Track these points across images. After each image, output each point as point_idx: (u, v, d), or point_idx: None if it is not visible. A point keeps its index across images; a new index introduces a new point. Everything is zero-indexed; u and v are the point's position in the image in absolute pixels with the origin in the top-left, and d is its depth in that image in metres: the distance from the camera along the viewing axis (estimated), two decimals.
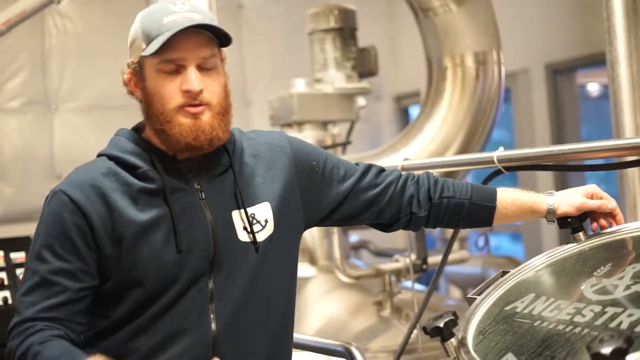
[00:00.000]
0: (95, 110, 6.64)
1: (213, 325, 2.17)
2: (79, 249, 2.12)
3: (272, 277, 2.28)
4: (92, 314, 2.17)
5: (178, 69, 2.14)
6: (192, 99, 2.14)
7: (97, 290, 2.16)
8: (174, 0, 2.17)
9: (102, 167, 2.18)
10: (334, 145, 4.93)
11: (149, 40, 2.13)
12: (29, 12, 5.23)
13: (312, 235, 4.91)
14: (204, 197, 2.20)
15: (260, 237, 2.24)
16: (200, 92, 2.14)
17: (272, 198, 2.29)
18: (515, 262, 5.64)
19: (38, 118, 6.56)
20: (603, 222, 2.38)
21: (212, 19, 2.19)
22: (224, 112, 2.21)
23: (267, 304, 2.26)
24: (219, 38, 2.19)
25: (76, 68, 6.68)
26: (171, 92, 2.14)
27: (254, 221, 2.24)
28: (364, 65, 5.22)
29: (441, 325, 2.01)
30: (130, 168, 2.17)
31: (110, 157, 2.20)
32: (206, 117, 2.15)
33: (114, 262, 2.13)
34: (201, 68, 2.16)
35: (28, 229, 4.82)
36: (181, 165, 2.21)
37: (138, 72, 2.20)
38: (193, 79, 2.13)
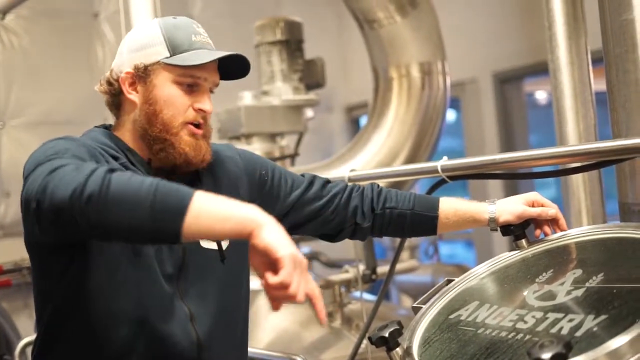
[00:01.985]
0: (43, 125, 6.57)
1: (195, 331, 2.17)
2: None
3: (236, 285, 2.32)
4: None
5: (193, 87, 2.21)
6: (202, 118, 2.22)
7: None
8: (190, 20, 2.27)
9: (91, 145, 2.15)
10: (282, 157, 4.93)
11: (177, 50, 2.18)
12: None
13: None
14: None
15: (223, 245, 2.27)
16: (209, 114, 2.23)
17: None
18: (464, 270, 5.62)
19: None
20: (546, 229, 2.42)
21: None
22: (210, 135, 2.29)
23: (235, 314, 2.31)
24: (225, 76, 2.29)
25: (23, 83, 6.60)
26: (184, 106, 2.20)
27: None
28: (311, 76, 5.22)
29: (386, 335, 2.01)
30: (112, 157, 2.16)
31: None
32: (202, 139, 2.23)
33: None
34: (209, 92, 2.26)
35: None
36: (154, 170, 2.22)
37: (142, 75, 2.21)
38: (209, 101, 2.23)
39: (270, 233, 1.73)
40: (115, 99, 2.27)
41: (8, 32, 6.55)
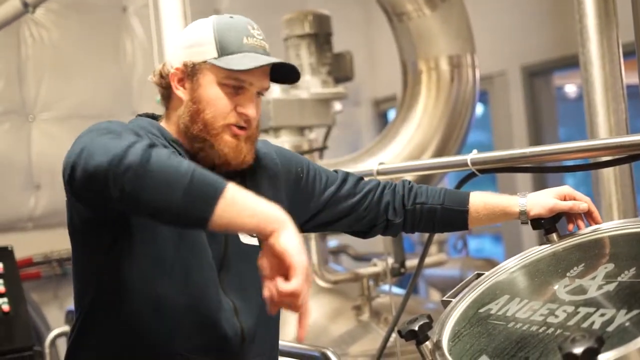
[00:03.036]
0: (73, 119, 6.60)
1: (239, 323, 2.18)
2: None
3: None
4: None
5: (240, 90, 2.19)
6: (244, 122, 2.20)
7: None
8: (251, 22, 2.24)
9: (145, 128, 2.20)
10: (310, 151, 4.93)
11: (225, 52, 2.17)
12: (4, 22, 5.20)
13: None
14: None
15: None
16: (253, 119, 2.21)
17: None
18: (493, 264, 5.62)
19: (15, 128, 6.52)
20: (580, 222, 2.40)
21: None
22: (256, 138, 2.28)
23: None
24: (278, 80, 2.29)
25: (53, 77, 6.64)
26: (227, 108, 2.19)
27: None
28: (339, 70, 5.22)
29: (416, 328, 2.01)
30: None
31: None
32: (245, 141, 2.22)
33: None
34: (257, 96, 2.23)
35: (7, 240, 4.81)
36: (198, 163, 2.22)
37: (190, 73, 2.21)
38: (253, 106, 2.21)
39: (290, 238, 1.75)
40: (165, 92, 2.29)
41: (38, 26, 6.59)
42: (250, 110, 2.19)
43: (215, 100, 2.18)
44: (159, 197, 1.74)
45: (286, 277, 1.73)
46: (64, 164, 1.89)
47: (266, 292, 1.76)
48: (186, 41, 2.25)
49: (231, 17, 2.24)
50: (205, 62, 2.19)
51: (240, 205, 1.76)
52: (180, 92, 2.23)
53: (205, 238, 2.15)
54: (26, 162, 6.53)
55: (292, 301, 1.73)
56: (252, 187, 2.30)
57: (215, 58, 2.17)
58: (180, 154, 2.17)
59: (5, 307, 4.40)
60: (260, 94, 2.24)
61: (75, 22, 6.72)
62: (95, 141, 1.83)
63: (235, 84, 2.18)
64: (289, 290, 1.71)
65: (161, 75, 2.28)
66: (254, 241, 2.23)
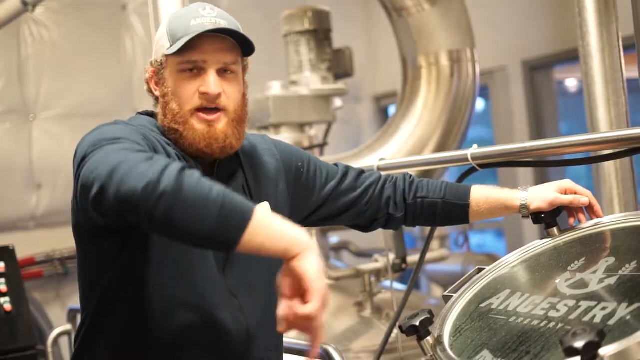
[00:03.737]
0: (73, 117, 6.61)
1: (245, 319, 2.18)
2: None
3: (274, 273, 2.29)
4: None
5: (199, 72, 2.15)
6: (209, 102, 2.15)
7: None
8: (204, 5, 2.20)
9: (146, 127, 2.18)
10: (311, 147, 4.93)
11: (174, 40, 2.15)
12: (3, 21, 5.21)
13: None
14: None
15: None
16: (218, 95, 2.15)
17: (269, 199, 2.30)
18: (494, 259, 5.60)
19: (16, 127, 6.52)
20: (581, 216, 2.40)
21: (238, 27, 2.20)
22: (240, 120, 2.22)
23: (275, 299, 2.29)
24: (242, 46, 2.20)
25: (53, 76, 6.64)
26: (189, 93, 2.15)
27: None
28: (339, 66, 5.21)
29: (417, 323, 2.02)
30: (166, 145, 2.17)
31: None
32: (221, 124, 2.16)
33: None
34: (222, 73, 2.17)
35: (8, 239, 4.81)
36: (195, 162, 2.21)
37: (159, 71, 2.22)
38: (212, 82, 2.14)
39: (313, 262, 1.76)
40: (153, 97, 2.29)
41: (38, 25, 6.59)
42: (210, 87, 2.13)
43: (176, 88, 2.17)
44: (191, 223, 1.75)
45: (303, 298, 1.74)
46: (87, 181, 1.87)
47: (281, 311, 1.77)
48: (154, 43, 2.26)
49: (187, 6, 2.24)
50: (164, 55, 2.18)
51: (267, 230, 1.77)
52: (157, 93, 2.24)
53: None
54: (27, 161, 6.53)
55: (307, 324, 1.75)
56: (253, 183, 2.30)
57: (168, 48, 2.16)
58: (178, 156, 2.16)
59: (7, 307, 4.40)
60: (226, 70, 2.18)
61: (75, 20, 6.72)
62: (125, 162, 1.81)
63: (191, 67, 2.15)
64: (305, 313, 1.73)
65: (146, 82, 2.29)
66: None
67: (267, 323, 2.23)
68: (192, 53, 2.14)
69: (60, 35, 6.68)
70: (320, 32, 5.15)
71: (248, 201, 1.80)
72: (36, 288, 6.35)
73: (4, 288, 4.42)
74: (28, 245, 6.12)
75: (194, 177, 1.79)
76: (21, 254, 4.86)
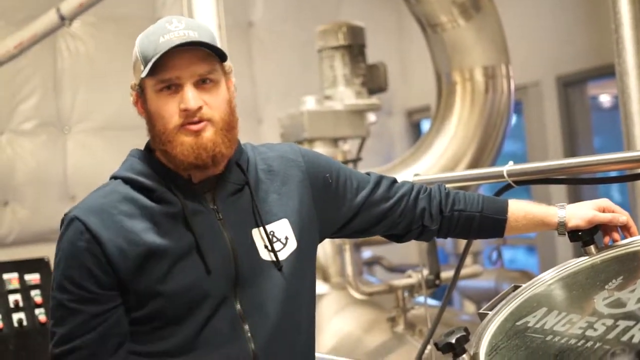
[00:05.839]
0: (108, 130, 6.66)
1: (252, 345, 2.15)
2: (96, 276, 2.08)
3: (297, 294, 2.26)
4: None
5: (176, 88, 2.11)
6: (191, 117, 2.10)
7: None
8: (170, 19, 2.15)
9: (119, 193, 2.16)
10: (345, 162, 4.93)
11: (146, 61, 2.11)
12: (40, 35, 5.26)
13: (324, 252, 4.91)
14: (221, 217, 2.18)
15: (282, 255, 2.23)
16: (199, 109, 2.10)
17: (289, 214, 2.27)
18: (528, 276, 5.61)
19: (51, 139, 6.59)
20: (615, 235, 2.37)
21: (210, 34, 2.16)
22: (228, 127, 2.17)
23: (296, 322, 2.25)
24: (217, 52, 2.15)
25: (88, 89, 6.71)
26: (171, 112, 2.11)
27: (274, 239, 2.23)
28: (373, 81, 5.23)
29: (453, 341, 2.00)
30: (147, 191, 2.15)
31: (126, 181, 2.18)
32: (208, 133, 2.12)
33: (136, 288, 2.10)
34: (200, 85, 2.12)
35: (43, 251, 4.85)
36: (196, 186, 2.18)
37: (140, 94, 2.18)
38: (190, 97, 2.09)
39: None
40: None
41: (74, 39, 6.66)
42: (189, 103, 2.08)
43: (158, 110, 2.12)
44: None
45: None
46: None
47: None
48: (132, 66, 2.22)
49: (154, 24, 2.18)
50: (141, 79, 2.14)
51: None
52: (143, 116, 2.21)
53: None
54: (62, 173, 6.60)
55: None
56: (275, 193, 2.28)
57: (142, 71, 2.12)
58: (171, 190, 2.16)
59: (42, 318, 4.44)
60: (205, 81, 2.12)
61: (110, 34, 6.78)
62: None
63: (167, 85, 2.11)
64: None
65: (134, 105, 2.25)
66: (271, 256, 2.21)
67: (282, 344, 2.20)
68: (164, 72, 2.09)
69: (96, 49, 6.75)
70: (354, 47, 5.17)
71: None
72: None
73: (39, 299, 4.46)
74: None
75: None
76: None
